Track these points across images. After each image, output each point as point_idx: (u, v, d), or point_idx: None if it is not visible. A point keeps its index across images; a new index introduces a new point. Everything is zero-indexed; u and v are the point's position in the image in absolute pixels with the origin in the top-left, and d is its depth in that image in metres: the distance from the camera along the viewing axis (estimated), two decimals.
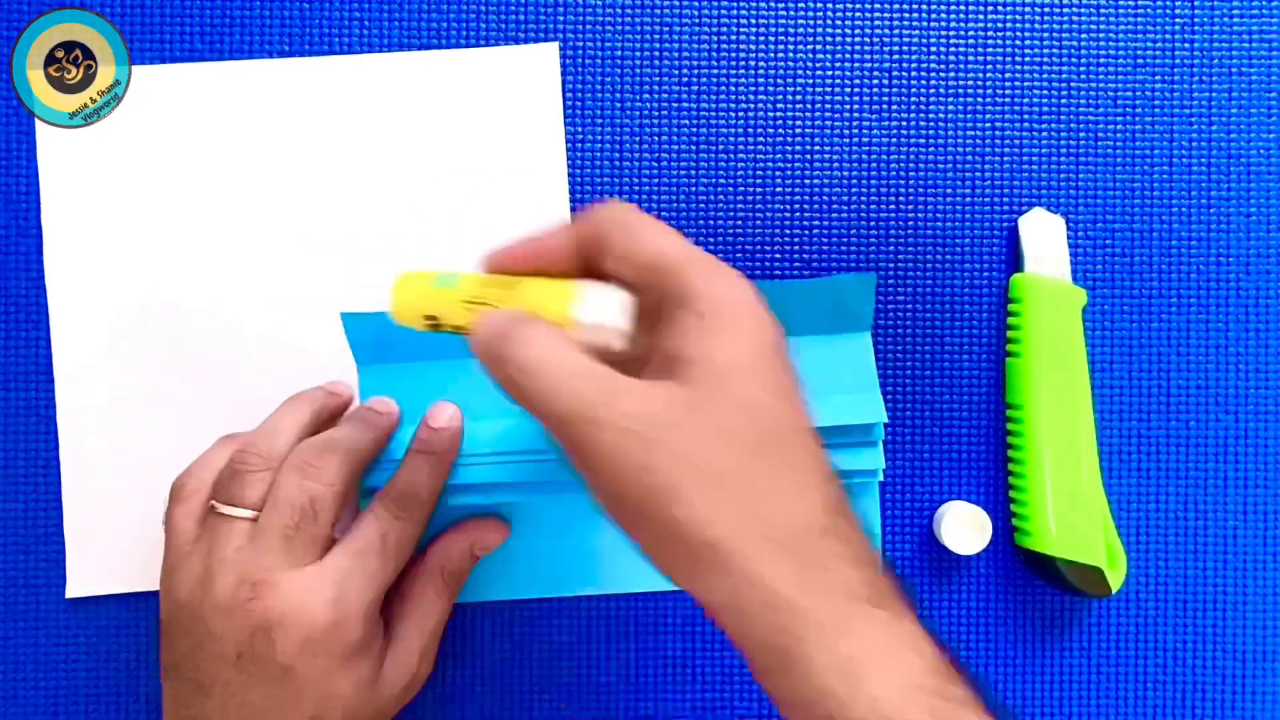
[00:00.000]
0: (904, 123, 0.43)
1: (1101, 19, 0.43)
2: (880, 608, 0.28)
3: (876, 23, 0.43)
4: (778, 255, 0.43)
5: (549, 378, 0.29)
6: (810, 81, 0.43)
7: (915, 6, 0.43)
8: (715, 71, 0.43)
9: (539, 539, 0.42)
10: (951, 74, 0.43)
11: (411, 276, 0.34)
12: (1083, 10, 0.43)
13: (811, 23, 0.43)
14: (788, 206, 0.43)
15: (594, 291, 0.31)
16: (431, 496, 0.38)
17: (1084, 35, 0.43)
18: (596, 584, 0.42)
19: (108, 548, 0.42)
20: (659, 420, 0.28)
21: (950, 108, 0.43)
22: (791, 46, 0.43)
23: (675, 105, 0.43)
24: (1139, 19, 0.43)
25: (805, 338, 0.40)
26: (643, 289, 0.31)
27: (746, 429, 0.28)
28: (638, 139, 0.43)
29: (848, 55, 0.43)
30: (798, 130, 0.43)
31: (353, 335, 0.40)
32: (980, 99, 0.43)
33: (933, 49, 0.43)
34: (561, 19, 0.43)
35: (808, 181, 0.43)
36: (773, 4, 0.43)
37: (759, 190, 0.43)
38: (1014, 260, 0.43)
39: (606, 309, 0.31)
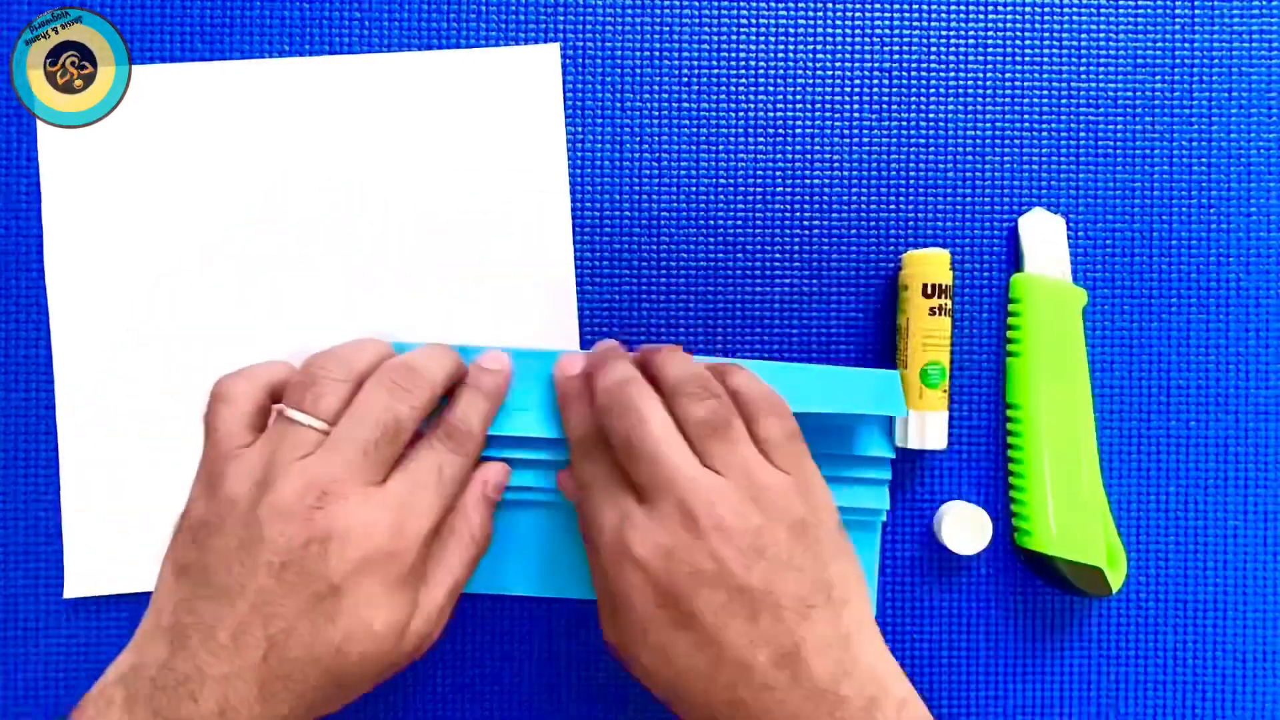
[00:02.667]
0: (904, 123, 0.43)
1: (1101, 19, 0.43)
2: None
3: (876, 23, 0.43)
4: (778, 255, 0.43)
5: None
6: (810, 81, 0.43)
7: (915, 6, 0.43)
8: (715, 71, 0.43)
9: (553, 537, 0.42)
10: (951, 74, 0.43)
11: None
12: (1083, 10, 0.43)
13: (811, 23, 0.43)
14: (788, 206, 0.43)
15: None
16: (482, 432, 0.38)
17: (1084, 35, 0.43)
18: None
19: (106, 549, 0.42)
20: None
21: (950, 108, 0.43)
22: (791, 46, 0.43)
23: (675, 105, 0.43)
24: (1139, 19, 0.43)
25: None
26: None
27: None
28: (638, 139, 0.43)
29: (848, 55, 0.43)
30: (798, 130, 0.43)
31: None
32: (980, 99, 0.43)
33: (933, 49, 0.43)
34: (562, 20, 0.43)
35: (808, 181, 0.43)
36: (773, 4, 0.43)
37: (759, 190, 0.43)
38: (1014, 260, 0.43)
39: None
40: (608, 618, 0.37)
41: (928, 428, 0.40)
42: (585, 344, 0.42)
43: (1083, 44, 0.43)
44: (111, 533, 0.42)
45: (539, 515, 0.42)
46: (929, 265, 0.40)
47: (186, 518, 0.35)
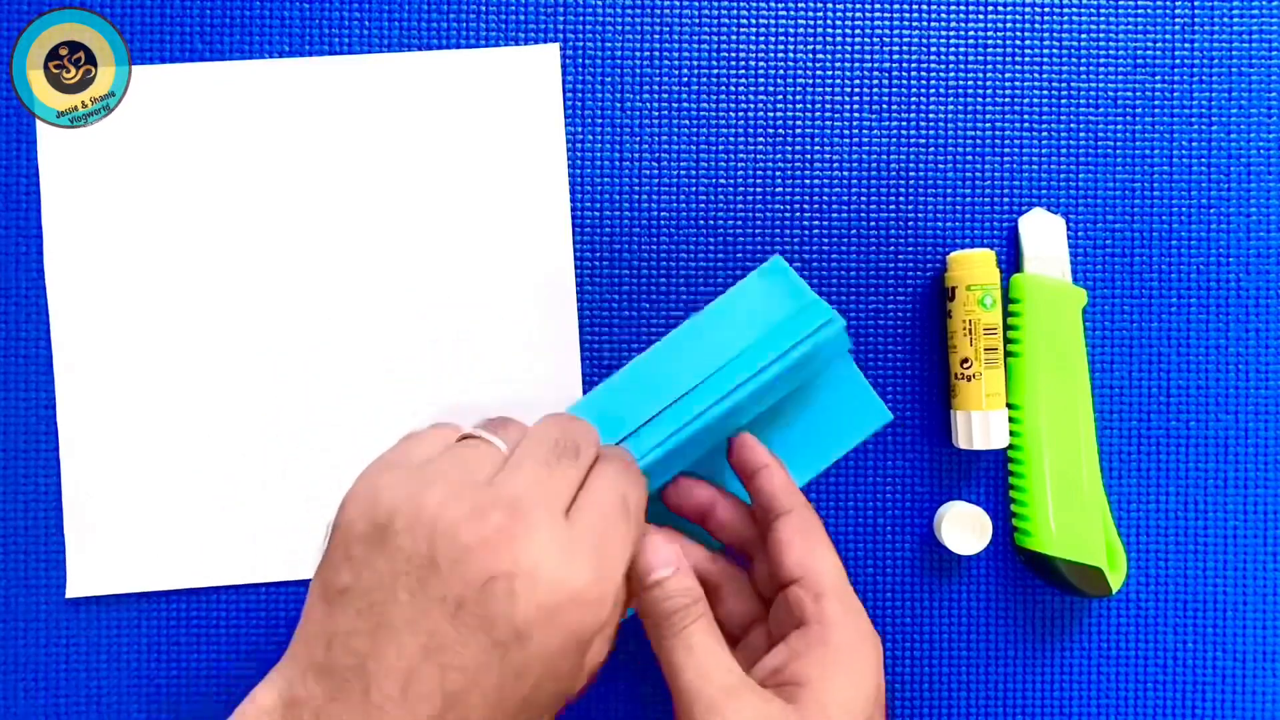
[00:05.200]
0: (904, 123, 0.43)
1: (1101, 19, 0.43)
2: None
3: (876, 23, 0.43)
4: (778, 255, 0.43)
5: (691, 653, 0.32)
6: (810, 81, 0.43)
7: (915, 6, 0.43)
8: (715, 71, 0.43)
9: None
10: (951, 74, 0.43)
11: None
12: (1083, 10, 0.43)
13: (811, 23, 0.43)
14: (788, 206, 0.43)
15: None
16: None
17: (1084, 35, 0.43)
18: None
19: (108, 547, 0.42)
20: None
21: (950, 108, 0.43)
22: (791, 46, 0.43)
23: (675, 105, 0.43)
24: (1139, 19, 0.43)
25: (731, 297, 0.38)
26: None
27: None
28: (638, 139, 0.43)
29: (848, 55, 0.43)
30: (798, 130, 0.43)
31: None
32: (980, 99, 0.43)
33: (933, 49, 0.43)
34: (562, 20, 0.43)
35: (808, 181, 0.43)
36: (773, 4, 0.43)
37: (759, 190, 0.43)
38: (1014, 260, 0.43)
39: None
40: None
41: (991, 428, 0.41)
42: (585, 343, 0.42)
43: (1083, 44, 0.43)
44: (113, 532, 0.42)
45: None
46: (976, 267, 0.41)
47: (338, 529, 0.29)
